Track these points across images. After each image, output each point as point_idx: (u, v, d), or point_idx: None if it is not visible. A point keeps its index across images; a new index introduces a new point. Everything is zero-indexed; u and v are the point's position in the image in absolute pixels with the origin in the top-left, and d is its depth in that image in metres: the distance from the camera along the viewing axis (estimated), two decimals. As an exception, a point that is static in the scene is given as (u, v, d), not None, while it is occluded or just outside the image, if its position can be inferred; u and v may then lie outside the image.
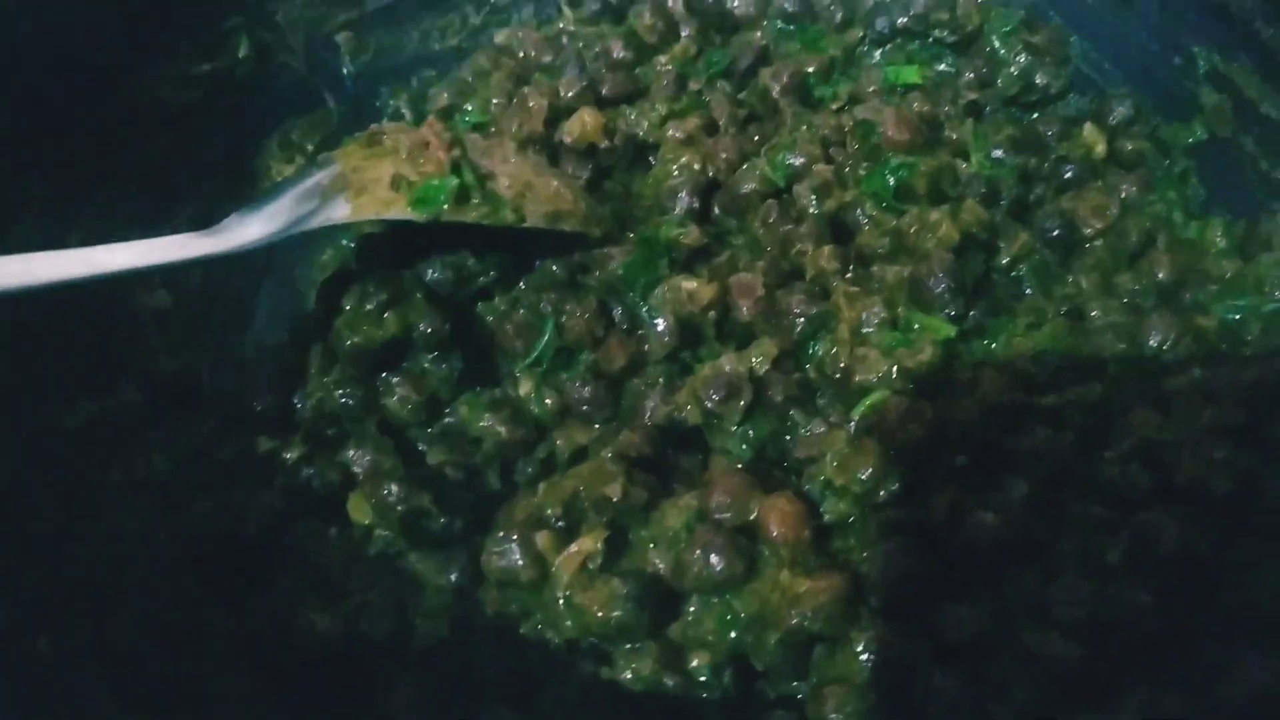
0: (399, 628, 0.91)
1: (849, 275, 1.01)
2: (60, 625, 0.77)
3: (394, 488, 0.93)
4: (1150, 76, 1.20)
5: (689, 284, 1.00)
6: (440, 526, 0.94)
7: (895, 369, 0.92)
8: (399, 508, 0.93)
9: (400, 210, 1.03)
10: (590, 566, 0.86)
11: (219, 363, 1.14)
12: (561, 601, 0.85)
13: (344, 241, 1.24)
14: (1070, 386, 0.90)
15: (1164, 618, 0.78)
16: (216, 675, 0.88)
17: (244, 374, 1.14)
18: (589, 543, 0.86)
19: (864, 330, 0.96)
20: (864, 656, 0.79)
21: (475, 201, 1.05)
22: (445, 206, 1.03)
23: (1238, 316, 0.96)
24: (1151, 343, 0.94)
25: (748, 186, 1.11)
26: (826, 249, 1.01)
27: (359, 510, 0.95)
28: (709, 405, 0.95)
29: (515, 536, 0.87)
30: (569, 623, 0.85)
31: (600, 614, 0.83)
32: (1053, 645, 0.78)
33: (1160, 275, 1.01)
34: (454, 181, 1.04)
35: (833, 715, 0.78)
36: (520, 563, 0.86)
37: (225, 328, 1.18)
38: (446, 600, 0.93)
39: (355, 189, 1.05)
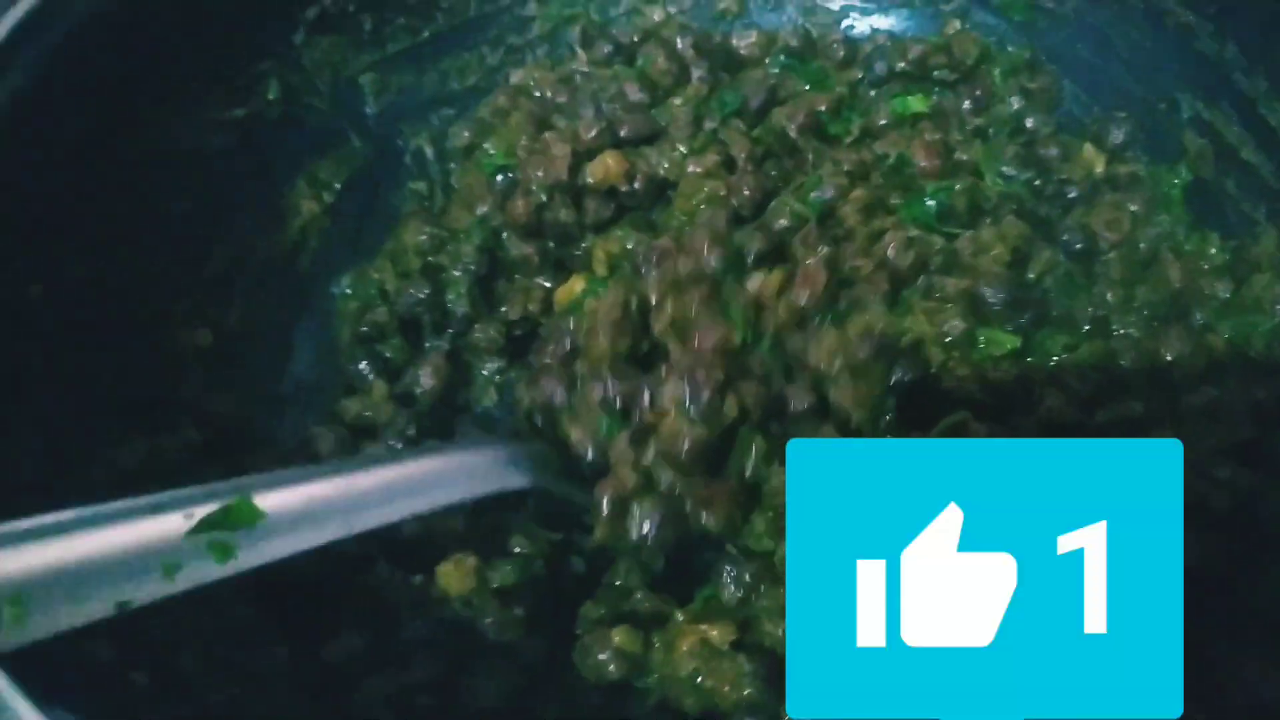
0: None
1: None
2: (150, 660, 0.78)
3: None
4: (1137, 120, 1.26)
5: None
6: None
7: (977, 385, 0.95)
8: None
9: None
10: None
11: (260, 401, 1.15)
12: None
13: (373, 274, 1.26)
14: (1113, 403, 0.96)
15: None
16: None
17: (286, 413, 1.15)
18: None
19: (946, 341, 0.99)
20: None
21: None
22: None
23: (1243, 333, 1.02)
24: (1168, 358, 0.99)
25: (780, 223, 1.16)
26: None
27: (454, 579, 0.93)
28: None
29: None
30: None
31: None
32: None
33: (1174, 283, 1.06)
34: None
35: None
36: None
37: (264, 365, 1.18)
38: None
39: None
